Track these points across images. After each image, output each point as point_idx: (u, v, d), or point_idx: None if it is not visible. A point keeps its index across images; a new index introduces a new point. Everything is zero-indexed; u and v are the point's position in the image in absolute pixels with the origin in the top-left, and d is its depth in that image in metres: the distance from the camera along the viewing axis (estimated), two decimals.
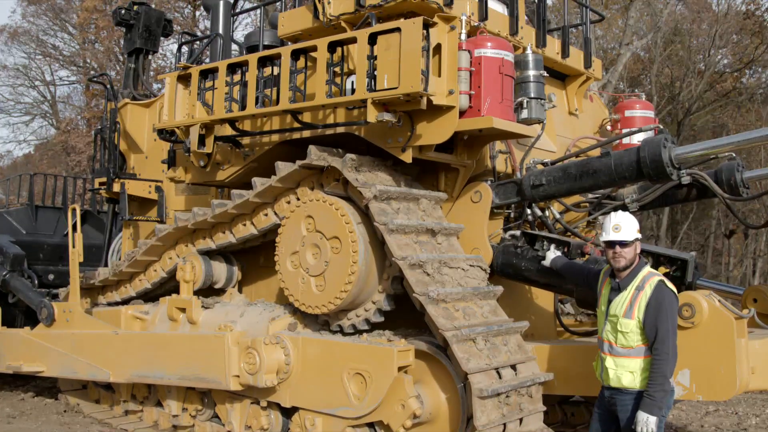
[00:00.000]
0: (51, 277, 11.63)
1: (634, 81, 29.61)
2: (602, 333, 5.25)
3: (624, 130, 8.39)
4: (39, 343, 9.16)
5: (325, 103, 6.75)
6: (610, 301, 5.22)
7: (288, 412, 7.11)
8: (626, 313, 5.04)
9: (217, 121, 7.67)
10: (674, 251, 6.51)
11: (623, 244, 5.15)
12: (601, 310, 5.33)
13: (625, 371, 5.05)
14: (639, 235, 5.21)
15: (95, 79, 20.43)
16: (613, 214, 5.35)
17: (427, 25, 6.08)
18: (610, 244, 5.19)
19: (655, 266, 6.27)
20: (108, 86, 10.74)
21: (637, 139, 7.73)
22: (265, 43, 8.44)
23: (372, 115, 6.24)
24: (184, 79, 8.04)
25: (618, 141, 8.13)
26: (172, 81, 8.07)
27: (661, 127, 8.00)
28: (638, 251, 5.24)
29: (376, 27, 6.36)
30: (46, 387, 10.96)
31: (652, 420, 4.83)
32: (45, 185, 14.69)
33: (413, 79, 6.03)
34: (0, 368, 9.65)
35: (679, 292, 5.75)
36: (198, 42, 10.10)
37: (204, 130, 7.80)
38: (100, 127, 10.87)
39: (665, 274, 6.11)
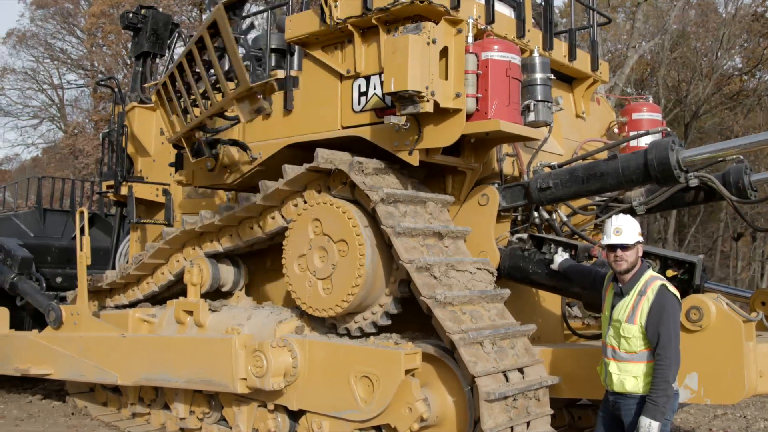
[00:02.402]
0: (59, 279, 11.68)
1: (641, 84, 29.56)
2: (606, 338, 5.22)
3: (631, 133, 8.37)
4: (47, 345, 9.19)
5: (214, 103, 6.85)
6: (613, 306, 5.19)
7: (295, 415, 7.11)
8: (629, 318, 5.01)
9: (187, 131, 7.67)
10: (682, 254, 6.49)
11: (624, 247, 5.12)
12: (605, 315, 5.30)
13: (629, 376, 5.02)
14: (641, 238, 5.17)
15: (103, 82, 20.49)
16: (614, 217, 5.32)
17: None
18: (612, 248, 5.16)
19: (663, 269, 6.25)
20: (116, 89, 10.79)
21: (645, 141, 7.72)
22: (272, 46, 8.44)
23: (245, 113, 6.36)
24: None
25: (625, 144, 8.11)
26: (155, 98, 8.11)
27: (669, 129, 7.98)
28: (640, 254, 5.20)
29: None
30: (54, 390, 10.99)
31: (655, 425, 4.80)
32: (53, 188, 14.76)
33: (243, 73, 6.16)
34: (8, 371, 9.68)
35: (686, 295, 5.75)
36: None
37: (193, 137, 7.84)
38: (107, 130, 10.92)
39: (673, 277, 6.11)
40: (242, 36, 7.13)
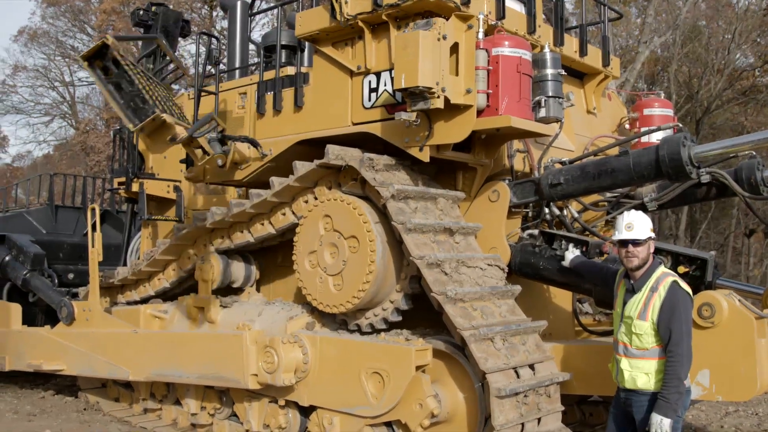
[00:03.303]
0: (71, 276, 11.72)
1: (653, 79, 29.44)
2: (617, 334, 5.21)
3: (642, 129, 8.33)
4: (59, 341, 9.23)
5: None
6: (625, 303, 5.17)
7: (306, 411, 7.13)
8: (640, 314, 4.99)
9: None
10: (694, 250, 6.46)
11: (636, 242, 5.09)
12: (617, 312, 5.29)
13: (640, 373, 5.01)
14: (652, 234, 5.16)
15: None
16: (626, 212, 5.30)
17: None
18: (623, 243, 5.14)
19: (675, 266, 6.22)
20: None
21: (656, 137, 7.67)
22: (283, 42, 8.46)
23: (159, 146, 6.63)
24: None
25: (637, 140, 8.08)
26: None
27: (680, 125, 7.93)
28: (652, 250, 5.18)
29: None
30: (66, 385, 11.05)
31: (666, 422, 4.79)
32: (64, 185, 14.81)
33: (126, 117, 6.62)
34: (21, 366, 9.74)
35: (698, 291, 5.72)
36: (216, 42, 10.10)
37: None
38: (118, 127, 10.94)
39: (684, 274, 6.08)
40: (126, 78, 7.25)
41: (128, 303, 9.38)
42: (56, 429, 8.59)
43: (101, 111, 33.72)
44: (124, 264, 10.69)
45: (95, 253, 8.88)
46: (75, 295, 10.08)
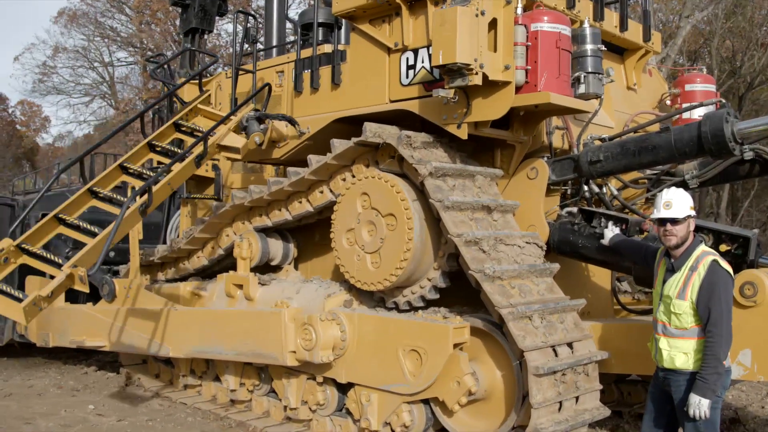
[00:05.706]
0: (111, 254, 11.83)
1: (694, 54, 28.90)
2: (656, 313, 5.16)
3: (684, 105, 8.21)
4: (101, 318, 9.35)
5: None
6: (664, 282, 5.11)
7: (344, 388, 7.17)
8: (679, 294, 4.93)
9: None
10: (736, 228, 6.37)
11: (674, 221, 5.02)
12: (656, 291, 5.23)
13: (679, 352, 4.96)
14: (692, 213, 5.07)
15: (152, 59, 20.65)
16: (665, 190, 5.22)
17: None
18: (661, 222, 5.07)
19: (716, 244, 6.14)
20: (165, 66, 10.86)
21: (698, 113, 7.57)
22: (320, 20, 8.44)
23: None
24: None
25: (678, 116, 7.96)
26: None
27: (723, 101, 7.80)
28: (691, 229, 5.10)
29: None
30: (108, 361, 11.24)
31: (705, 403, 4.75)
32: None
33: None
34: (64, 343, 9.90)
35: (740, 270, 5.64)
36: (253, 20, 10.11)
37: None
38: (157, 107, 11.01)
39: (726, 252, 6.00)
40: None
41: (168, 280, 9.49)
42: (99, 404, 8.76)
43: (140, 91, 34.04)
44: (164, 242, 10.81)
45: (135, 232, 8.97)
46: (116, 273, 10.21)
